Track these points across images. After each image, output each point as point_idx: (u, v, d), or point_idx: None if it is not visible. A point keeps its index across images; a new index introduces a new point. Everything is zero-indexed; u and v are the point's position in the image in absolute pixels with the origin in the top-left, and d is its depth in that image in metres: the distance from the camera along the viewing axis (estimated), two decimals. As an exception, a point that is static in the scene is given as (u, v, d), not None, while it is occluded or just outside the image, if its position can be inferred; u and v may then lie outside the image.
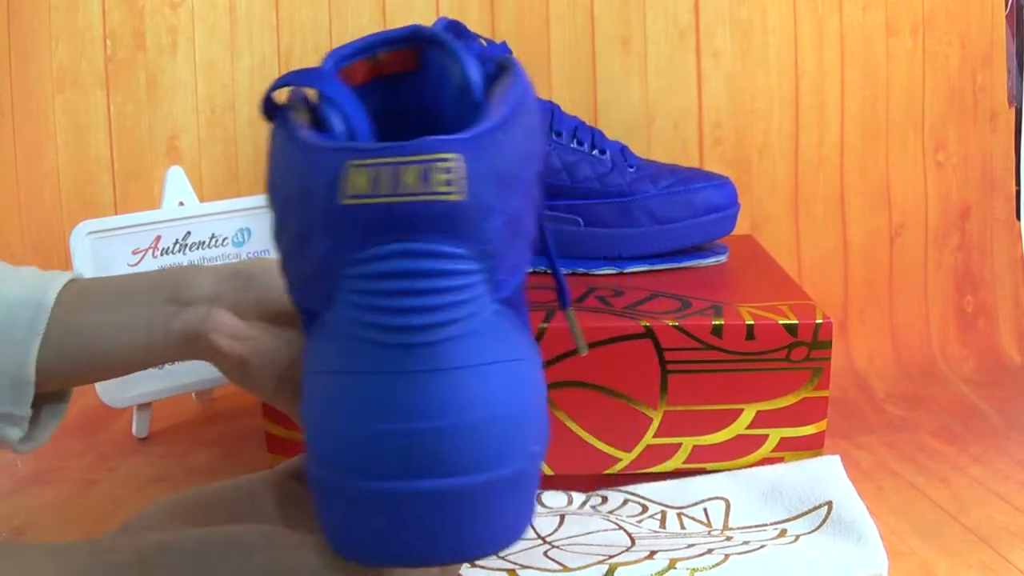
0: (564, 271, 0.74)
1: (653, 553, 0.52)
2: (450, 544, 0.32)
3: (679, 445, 0.63)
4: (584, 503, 0.61)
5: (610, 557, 0.52)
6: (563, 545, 0.54)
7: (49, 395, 0.48)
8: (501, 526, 0.33)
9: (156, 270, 0.47)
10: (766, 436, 0.63)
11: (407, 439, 0.31)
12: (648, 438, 0.63)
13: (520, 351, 0.33)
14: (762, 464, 0.63)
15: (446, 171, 0.30)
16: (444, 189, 0.30)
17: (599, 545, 0.54)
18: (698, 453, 0.63)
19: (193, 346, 0.44)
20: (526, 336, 0.34)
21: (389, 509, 0.32)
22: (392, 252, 0.30)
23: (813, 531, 0.56)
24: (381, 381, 0.31)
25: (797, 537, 0.55)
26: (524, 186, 0.32)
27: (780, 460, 0.63)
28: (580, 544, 0.54)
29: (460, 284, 0.31)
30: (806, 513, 0.57)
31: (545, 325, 0.61)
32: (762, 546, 0.53)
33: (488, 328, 0.31)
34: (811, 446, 0.63)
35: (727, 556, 0.51)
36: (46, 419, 0.48)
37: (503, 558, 0.53)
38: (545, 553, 0.53)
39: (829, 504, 0.57)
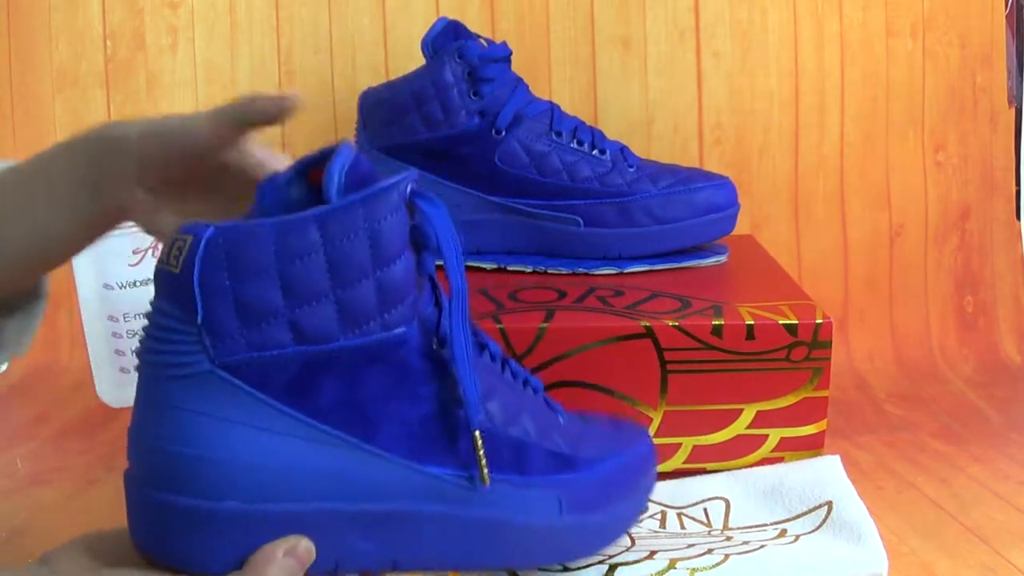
0: (564, 271, 0.74)
1: (653, 553, 0.52)
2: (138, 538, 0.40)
3: (679, 445, 0.63)
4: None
5: (610, 557, 0.52)
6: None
7: (16, 304, 0.48)
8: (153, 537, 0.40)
9: (71, 146, 0.47)
10: (766, 436, 0.63)
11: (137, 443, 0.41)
12: (648, 438, 0.63)
13: (228, 412, 0.38)
14: (762, 464, 0.63)
15: (178, 249, 0.38)
16: (172, 263, 0.38)
17: (599, 546, 0.54)
18: (698, 453, 0.63)
19: (117, 221, 0.46)
20: (260, 405, 0.39)
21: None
22: (150, 305, 0.40)
23: (813, 531, 0.55)
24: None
25: (797, 537, 0.55)
26: (284, 280, 0.38)
27: (780, 460, 0.63)
28: (580, 545, 0.54)
29: (172, 338, 0.38)
30: (806, 513, 0.57)
31: (545, 325, 0.61)
32: (762, 546, 0.53)
33: (196, 382, 0.38)
34: (811, 446, 0.63)
35: (727, 556, 0.51)
36: (15, 329, 0.48)
37: None
38: None
39: (829, 504, 0.57)
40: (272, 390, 0.39)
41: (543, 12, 0.93)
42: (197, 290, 0.37)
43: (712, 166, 0.94)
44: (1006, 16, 0.95)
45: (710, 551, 0.52)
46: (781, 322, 0.62)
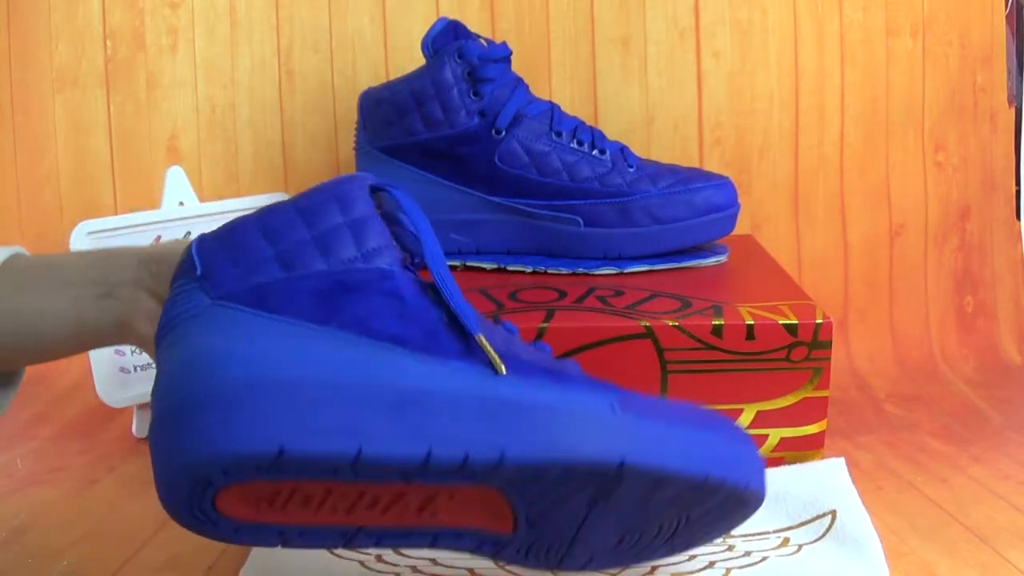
0: (564, 271, 0.74)
1: (654, 568, 0.52)
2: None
3: (679, 445, 0.63)
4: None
5: (612, 574, 0.51)
6: (563, 553, 0.54)
7: None
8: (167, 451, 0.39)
9: (87, 251, 0.48)
10: (766, 436, 0.63)
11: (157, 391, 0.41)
12: (648, 438, 0.63)
13: (232, 329, 0.40)
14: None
15: (197, 237, 0.44)
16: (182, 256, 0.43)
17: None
18: (698, 453, 0.63)
19: (120, 333, 0.45)
20: (261, 318, 0.40)
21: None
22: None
23: (816, 541, 0.55)
24: None
25: (800, 547, 0.54)
26: (266, 234, 0.43)
27: (780, 460, 0.63)
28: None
29: (180, 297, 0.42)
30: (809, 522, 0.57)
31: (545, 325, 0.61)
32: (764, 558, 0.53)
33: (200, 317, 0.40)
34: (811, 446, 0.63)
35: (729, 571, 0.51)
36: None
37: (502, 567, 0.53)
38: None
39: (833, 514, 0.57)
40: (268, 307, 0.41)
41: (543, 12, 0.93)
42: (195, 254, 0.42)
43: (712, 166, 0.94)
44: (1006, 16, 0.95)
45: (712, 564, 0.52)
46: (781, 322, 0.62)
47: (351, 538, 0.42)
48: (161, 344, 0.41)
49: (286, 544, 0.41)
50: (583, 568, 0.47)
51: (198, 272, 0.42)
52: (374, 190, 0.45)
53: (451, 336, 0.42)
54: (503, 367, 0.41)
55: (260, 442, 0.37)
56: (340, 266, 0.42)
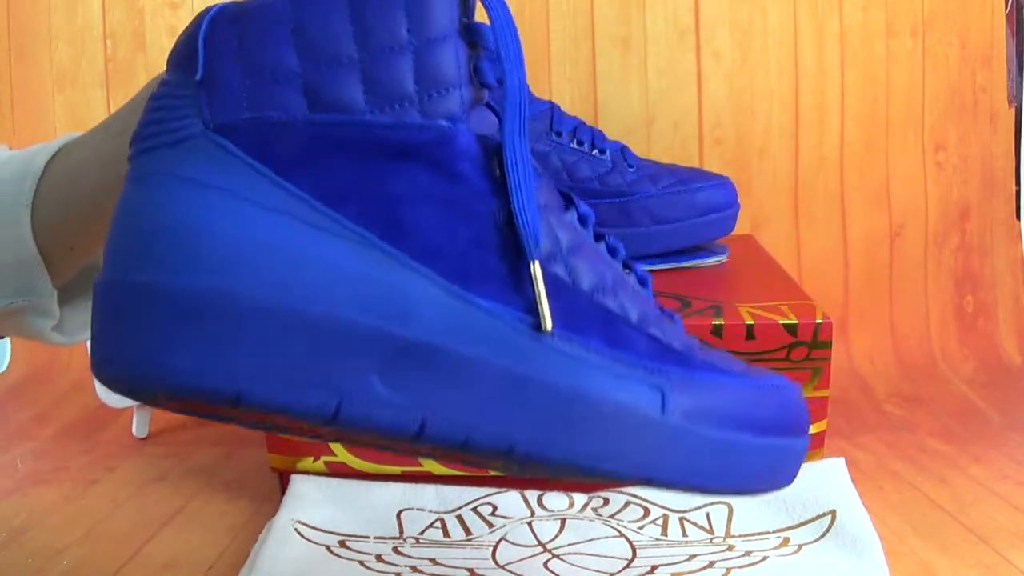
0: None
1: (654, 568, 0.52)
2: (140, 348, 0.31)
3: (679, 445, 0.63)
4: (586, 505, 0.61)
5: (611, 575, 0.51)
6: (563, 555, 0.54)
7: (81, 287, 0.44)
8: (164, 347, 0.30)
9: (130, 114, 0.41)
10: (766, 436, 0.63)
11: (111, 234, 0.33)
12: (648, 438, 0.63)
13: (219, 180, 0.31)
14: (762, 464, 0.63)
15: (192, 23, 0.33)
16: (182, 37, 0.33)
17: (600, 556, 0.54)
18: (698, 453, 0.63)
19: None
20: (258, 178, 0.32)
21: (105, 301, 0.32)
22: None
23: (816, 540, 0.55)
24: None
25: (800, 547, 0.54)
26: (301, 38, 0.32)
27: (780, 460, 0.63)
28: (580, 554, 0.54)
29: (164, 106, 0.33)
30: (809, 521, 0.57)
31: (545, 325, 0.61)
32: (764, 558, 0.53)
33: (184, 148, 0.32)
34: (811, 446, 0.63)
35: (729, 571, 0.51)
36: (81, 309, 0.44)
37: (503, 567, 0.53)
38: (545, 564, 0.53)
39: (833, 513, 0.57)
40: (274, 161, 0.32)
41: (543, 12, 0.93)
42: (201, 46, 0.32)
43: (712, 166, 0.94)
44: (1006, 16, 0.95)
45: (712, 564, 0.52)
46: (781, 322, 0.62)
47: None
48: (131, 162, 0.33)
49: None
50: None
51: (199, 75, 0.32)
52: None
53: (506, 256, 0.32)
54: (548, 321, 0.32)
55: (213, 378, 0.30)
56: (387, 114, 0.32)
